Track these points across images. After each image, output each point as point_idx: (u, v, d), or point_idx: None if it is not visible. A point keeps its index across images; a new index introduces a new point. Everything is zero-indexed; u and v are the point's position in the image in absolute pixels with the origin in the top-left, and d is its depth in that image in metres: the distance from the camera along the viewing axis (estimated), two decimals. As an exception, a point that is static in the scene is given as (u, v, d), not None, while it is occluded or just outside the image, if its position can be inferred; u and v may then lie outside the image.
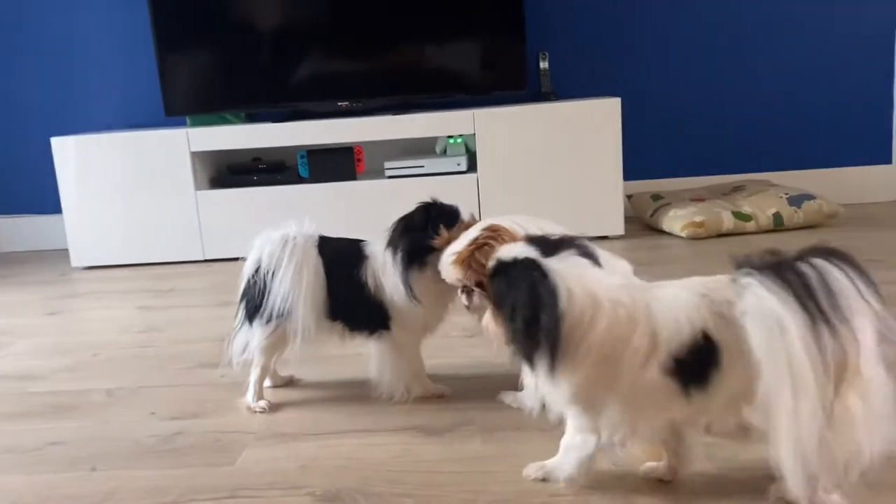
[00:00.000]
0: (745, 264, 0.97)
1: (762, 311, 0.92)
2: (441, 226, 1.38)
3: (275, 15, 2.99)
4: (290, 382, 1.66)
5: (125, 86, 3.31)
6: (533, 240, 1.07)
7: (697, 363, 0.97)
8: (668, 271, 2.35)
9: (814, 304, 0.89)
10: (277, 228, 1.44)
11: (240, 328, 1.48)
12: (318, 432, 1.40)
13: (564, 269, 1.01)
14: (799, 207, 2.78)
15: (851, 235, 2.67)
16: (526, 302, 0.99)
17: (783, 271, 0.92)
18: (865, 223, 2.86)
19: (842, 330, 0.89)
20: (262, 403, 1.52)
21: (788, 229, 2.79)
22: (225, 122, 3.09)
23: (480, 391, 1.50)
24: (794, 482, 0.93)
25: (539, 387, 1.07)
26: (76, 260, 2.99)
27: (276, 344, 1.47)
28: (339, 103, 2.96)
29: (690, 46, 3.19)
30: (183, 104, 3.01)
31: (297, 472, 1.26)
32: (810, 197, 2.82)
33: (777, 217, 2.77)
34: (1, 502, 1.23)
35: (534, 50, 3.10)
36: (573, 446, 1.10)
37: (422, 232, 1.39)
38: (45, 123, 3.32)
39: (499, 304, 1.05)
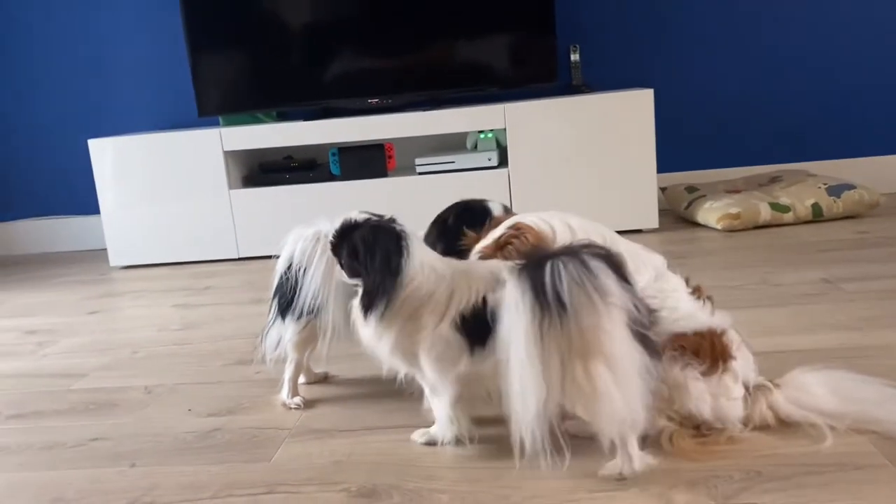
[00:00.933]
0: (522, 256, 1.13)
1: (509, 300, 1.09)
2: (471, 227, 1.42)
3: (305, 13, 3.01)
4: (324, 379, 1.67)
5: (159, 87, 3.36)
6: (372, 214, 1.25)
7: (478, 325, 1.15)
8: (703, 264, 2.33)
9: (545, 300, 1.05)
10: (309, 225, 1.45)
11: (272, 324, 1.50)
12: (353, 428, 1.41)
13: (412, 236, 1.22)
14: (838, 197, 2.72)
15: (893, 225, 2.60)
16: (387, 253, 1.18)
17: (531, 269, 1.07)
18: (908, 212, 2.79)
19: (567, 320, 1.04)
20: (297, 400, 1.53)
21: (828, 220, 2.73)
22: (257, 121, 3.12)
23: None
24: (527, 443, 1.09)
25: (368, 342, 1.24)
26: (114, 259, 3.05)
27: (307, 340, 1.49)
28: (370, 100, 2.97)
29: (723, 35, 3.14)
30: (216, 104, 3.05)
31: (332, 467, 1.27)
32: (850, 186, 2.75)
33: (816, 208, 2.72)
34: (45, 496, 1.26)
35: (564, 43, 3.08)
36: (438, 408, 1.27)
37: (455, 235, 1.42)
38: (82, 126, 3.39)
39: (357, 252, 1.21)
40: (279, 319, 1.48)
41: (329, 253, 1.41)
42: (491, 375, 1.17)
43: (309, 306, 1.42)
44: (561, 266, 1.05)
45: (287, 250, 1.46)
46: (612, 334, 1.06)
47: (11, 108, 3.44)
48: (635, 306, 1.08)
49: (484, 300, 1.16)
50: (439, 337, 1.19)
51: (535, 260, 1.09)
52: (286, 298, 1.45)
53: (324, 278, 1.40)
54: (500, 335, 1.11)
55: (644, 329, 1.09)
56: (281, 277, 1.46)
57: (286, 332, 1.48)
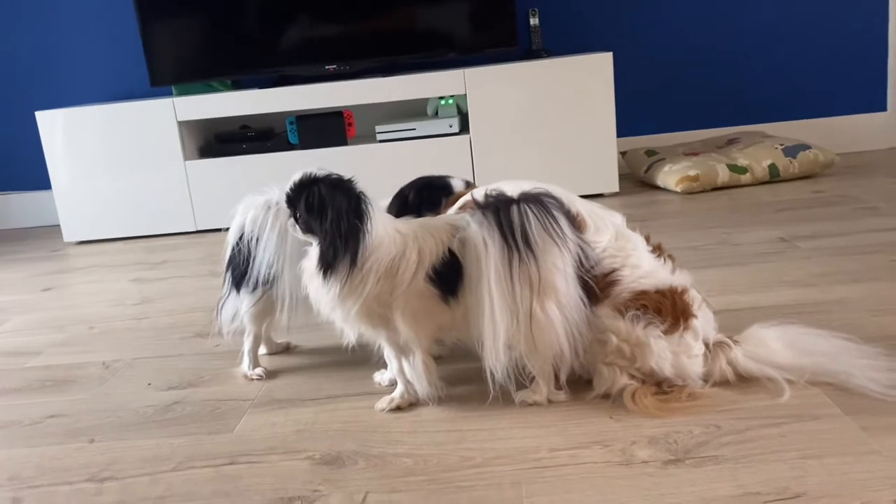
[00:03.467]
0: (479, 204, 1.21)
1: (473, 238, 1.18)
2: (432, 203, 1.45)
3: (257, -22, 2.93)
4: (286, 349, 1.65)
5: (109, 57, 3.25)
6: (331, 172, 1.24)
7: (449, 274, 1.21)
8: (663, 226, 2.35)
9: (511, 237, 1.15)
10: (260, 194, 1.42)
11: (227, 296, 1.46)
12: (316, 397, 1.40)
13: (371, 199, 1.23)
14: (794, 158, 2.76)
15: (847, 184, 2.65)
16: (348, 209, 1.18)
17: (495, 211, 1.17)
18: (861, 171, 2.84)
19: (531, 256, 1.15)
20: (259, 371, 1.51)
21: (784, 180, 2.77)
22: (211, 90, 3.05)
23: (474, 352, 1.49)
24: (497, 373, 1.19)
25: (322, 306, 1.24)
26: (68, 235, 2.97)
27: (264, 311, 1.46)
28: (327, 67, 2.92)
29: (682, -3, 3.14)
30: (168, 73, 2.96)
31: (295, 436, 1.26)
32: (806, 147, 2.79)
33: (773, 168, 2.75)
34: (2, 474, 1.23)
35: (523, 7, 3.05)
36: (398, 373, 1.30)
37: (416, 210, 1.44)
38: (29, 97, 3.28)
39: (315, 209, 1.19)
40: (234, 292, 1.45)
41: (281, 221, 1.37)
42: (462, 322, 1.22)
43: (264, 277, 1.39)
44: (527, 209, 1.16)
45: (238, 220, 1.41)
46: (564, 273, 1.17)
47: (-47, 80, 3.31)
48: (582, 252, 1.20)
49: (450, 251, 1.21)
50: (413, 292, 1.21)
51: (500, 202, 1.18)
52: (239, 270, 1.42)
53: (277, 247, 1.37)
54: (467, 271, 1.19)
55: (586, 275, 1.21)
56: (233, 249, 1.43)
57: (242, 304, 1.45)
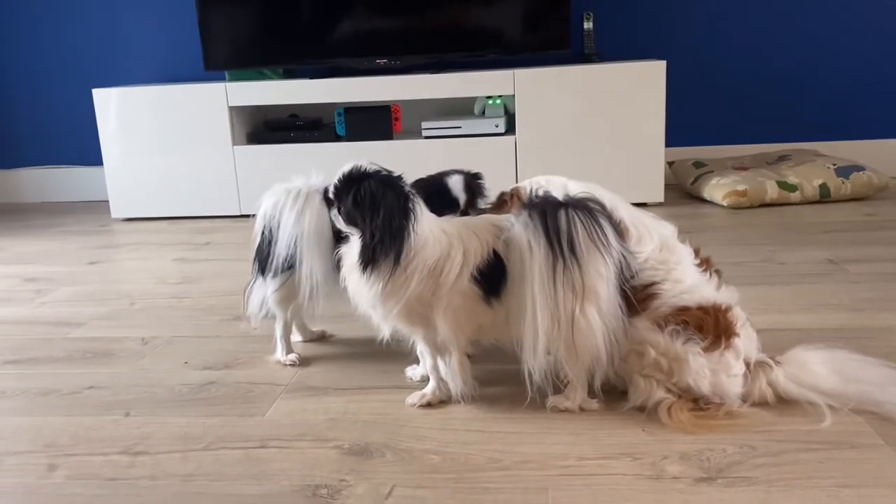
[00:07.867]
0: (524, 204, 1.21)
1: (518, 240, 1.18)
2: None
3: (315, -31, 2.95)
4: (321, 337, 1.66)
5: (166, 39, 3.31)
6: (381, 167, 1.24)
7: (492, 275, 1.21)
8: (707, 240, 2.31)
9: (557, 243, 1.15)
10: (285, 181, 1.42)
11: (254, 283, 1.47)
12: (348, 387, 1.41)
13: (419, 198, 1.22)
14: (847, 179, 2.69)
15: (901, 209, 2.58)
16: (397, 208, 1.17)
17: (542, 214, 1.17)
18: (917, 197, 2.76)
19: (575, 263, 1.14)
20: (292, 357, 1.53)
21: (835, 201, 2.70)
22: (263, 77, 3.08)
23: (510, 354, 1.48)
24: (536, 375, 1.20)
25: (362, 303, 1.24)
26: (116, 211, 3.03)
27: (288, 296, 1.45)
28: (378, 60, 2.93)
29: (739, 9, 3.07)
30: (222, 58, 3.00)
31: (325, 424, 1.27)
32: (859, 168, 2.72)
33: (823, 188, 2.69)
34: (39, 441, 1.26)
35: (578, 9, 3.02)
36: (431, 370, 1.30)
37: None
38: (87, 75, 3.35)
39: (363, 203, 1.18)
40: (260, 278, 1.46)
41: (300, 203, 1.37)
42: (502, 323, 1.22)
43: (283, 258, 1.38)
44: (575, 215, 1.15)
45: (263, 206, 1.42)
46: (607, 280, 1.17)
47: (17, 54, 3.40)
48: (624, 261, 1.20)
49: (494, 252, 1.21)
50: (457, 293, 1.21)
51: (547, 205, 1.17)
52: (264, 255, 1.43)
53: (294, 227, 1.36)
54: (510, 273, 1.19)
55: (624, 284, 1.20)
56: (260, 235, 1.43)
57: (267, 290, 1.45)
